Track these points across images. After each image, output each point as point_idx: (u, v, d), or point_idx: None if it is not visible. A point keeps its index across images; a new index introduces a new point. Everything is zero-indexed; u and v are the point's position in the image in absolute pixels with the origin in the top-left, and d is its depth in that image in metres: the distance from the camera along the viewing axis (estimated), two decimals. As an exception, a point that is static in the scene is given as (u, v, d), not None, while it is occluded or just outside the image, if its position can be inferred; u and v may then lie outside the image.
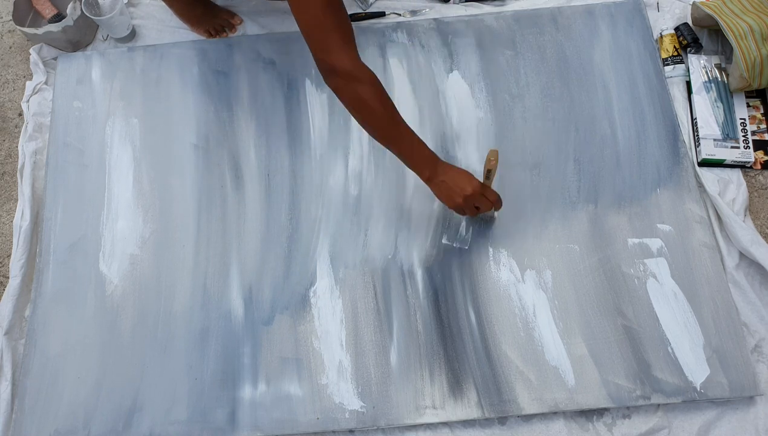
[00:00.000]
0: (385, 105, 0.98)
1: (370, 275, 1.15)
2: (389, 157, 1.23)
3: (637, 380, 1.04)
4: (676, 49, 1.30)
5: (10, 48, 1.47)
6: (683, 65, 1.29)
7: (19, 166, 1.29)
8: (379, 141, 1.01)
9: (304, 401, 1.06)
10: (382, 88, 0.98)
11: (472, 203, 1.03)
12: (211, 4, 1.39)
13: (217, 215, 1.21)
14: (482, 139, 1.24)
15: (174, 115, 1.30)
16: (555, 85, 1.28)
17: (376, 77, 0.97)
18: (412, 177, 1.21)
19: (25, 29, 1.34)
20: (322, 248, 1.17)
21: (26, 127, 1.33)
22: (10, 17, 1.40)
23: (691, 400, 1.02)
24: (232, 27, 1.40)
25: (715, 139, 1.21)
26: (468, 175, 1.03)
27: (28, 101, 1.36)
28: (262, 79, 1.32)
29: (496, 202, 1.06)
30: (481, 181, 1.05)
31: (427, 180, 1.03)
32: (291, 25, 1.39)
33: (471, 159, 1.23)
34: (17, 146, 1.33)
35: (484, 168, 1.05)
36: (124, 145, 1.28)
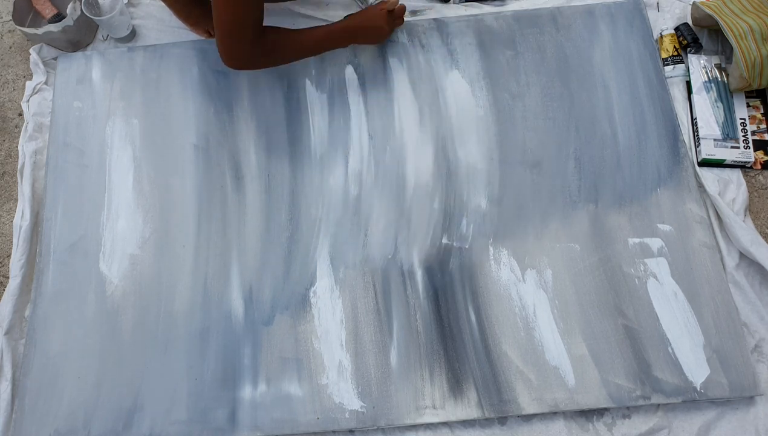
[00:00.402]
0: (288, 42, 1.12)
1: (370, 275, 1.15)
2: (389, 157, 1.24)
3: (637, 380, 1.04)
4: (676, 49, 1.30)
5: (10, 48, 1.47)
6: (683, 65, 1.29)
7: (19, 166, 1.29)
8: (302, 57, 1.19)
9: (304, 401, 1.06)
10: (276, 35, 1.12)
11: (392, 26, 1.23)
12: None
13: (217, 215, 1.21)
14: (482, 139, 1.24)
15: (174, 116, 1.30)
16: (555, 84, 1.28)
17: (268, 39, 1.10)
18: (412, 177, 1.22)
19: (25, 29, 1.34)
20: (322, 248, 1.17)
21: (26, 127, 1.33)
22: (10, 17, 1.40)
23: (691, 400, 1.03)
24: (232, 27, 1.40)
25: (715, 139, 1.21)
26: (372, 13, 1.19)
27: (28, 101, 1.36)
28: (262, 79, 1.32)
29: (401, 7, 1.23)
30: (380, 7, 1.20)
31: (347, 38, 1.18)
32: (291, 25, 1.39)
33: (471, 159, 1.23)
34: (17, 146, 1.33)
35: None
36: (124, 146, 1.28)
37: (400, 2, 1.27)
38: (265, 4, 1.40)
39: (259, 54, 1.12)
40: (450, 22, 1.36)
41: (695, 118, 1.24)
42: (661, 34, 1.32)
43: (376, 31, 1.22)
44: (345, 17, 1.22)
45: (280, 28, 1.15)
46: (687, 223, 1.15)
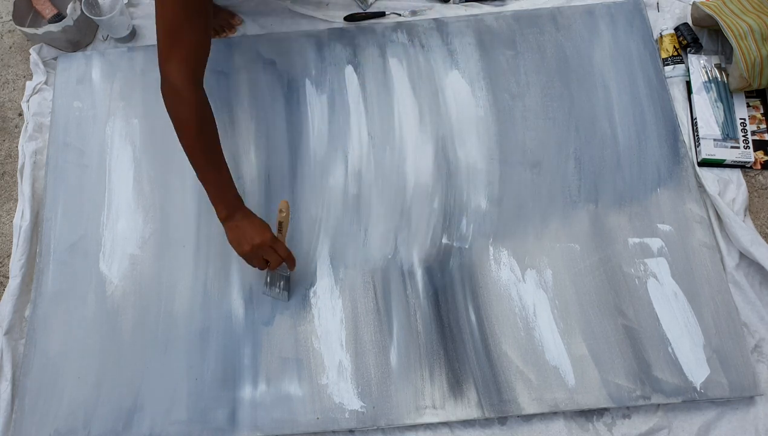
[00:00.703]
0: (202, 132, 1.00)
1: (370, 275, 1.15)
2: (389, 157, 1.24)
3: (637, 380, 1.04)
4: (676, 49, 1.30)
5: (10, 48, 1.47)
6: (683, 65, 1.29)
7: (19, 166, 1.29)
8: (190, 161, 1.02)
9: (304, 401, 1.06)
10: (206, 115, 1.01)
11: (260, 254, 1.03)
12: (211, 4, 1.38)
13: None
14: (482, 139, 1.24)
15: (174, 115, 1.30)
16: (555, 84, 1.28)
17: (203, 104, 1.01)
18: (412, 177, 1.22)
19: (25, 29, 1.34)
20: (322, 248, 1.17)
21: (26, 127, 1.33)
22: (10, 17, 1.40)
23: (691, 400, 1.03)
24: (231, 27, 1.40)
25: (715, 139, 1.21)
26: (263, 228, 1.03)
27: (28, 101, 1.36)
28: (262, 79, 1.32)
29: (288, 260, 1.06)
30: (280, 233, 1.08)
31: (223, 220, 1.03)
32: (291, 25, 1.39)
33: (471, 159, 1.23)
34: (17, 146, 1.33)
35: (277, 221, 1.07)
36: (124, 146, 1.28)
37: (290, 273, 1.11)
38: (266, 4, 1.40)
39: (186, 89, 0.99)
40: (450, 22, 1.36)
41: (695, 118, 1.24)
42: (661, 34, 1.32)
43: (239, 239, 1.02)
44: (244, 207, 1.05)
45: (215, 124, 1.03)
46: (687, 223, 1.15)
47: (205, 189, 1.02)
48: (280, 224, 1.08)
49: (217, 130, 1.03)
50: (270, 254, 1.03)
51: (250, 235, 1.02)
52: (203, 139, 1.01)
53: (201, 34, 1.01)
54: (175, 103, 0.99)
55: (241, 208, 1.05)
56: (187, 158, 1.01)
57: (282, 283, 1.12)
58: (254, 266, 1.06)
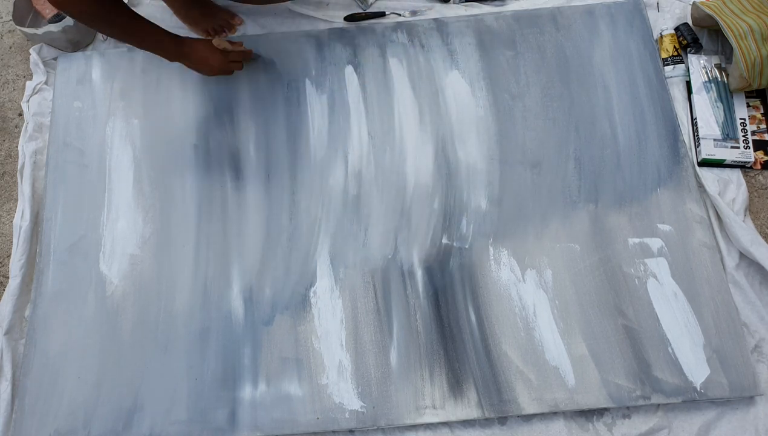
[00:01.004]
0: (122, 14, 1.02)
1: (370, 275, 1.15)
2: (389, 157, 1.24)
3: (637, 380, 1.04)
4: (676, 49, 1.30)
5: (10, 48, 1.47)
6: (683, 65, 1.29)
7: (19, 166, 1.29)
8: (111, 32, 1.05)
9: (304, 401, 1.06)
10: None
11: (227, 64, 1.19)
12: (211, 4, 1.39)
13: (217, 215, 1.21)
14: (482, 139, 1.24)
15: (174, 116, 1.30)
16: (555, 84, 1.28)
17: None
18: (412, 177, 1.22)
19: (25, 29, 1.34)
20: (322, 247, 1.17)
21: (26, 127, 1.33)
22: (10, 17, 1.40)
23: (691, 400, 1.03)
24: (231, 27, 1.40)
25: (715, 139, 1.21)
26: (209, 44, 1.16)
27: (28, 101, 1.36)
28: (262, 79, 1.32)
29: (246, 54, 1.23)
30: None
31: (178, 58, 1.12)
32: (291, 25, 1.39)
33: (471, 159, 1.23)
34: (17, 146, 1.33)
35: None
36: (125, 146, 1.28)
37: (237, 48, 1.23)
38: (266, 4, 1.40)
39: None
40: (450, 22, 1.36)
41: (695, 118, 1.24)
42: (661, 34, 1.32)
43: (203, 62, 1.16)
44: (184, 38, 1.15)
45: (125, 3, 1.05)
46: (687, 223, 1.15)
47: (142, 44, 1.08)
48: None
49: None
50: (234, 55, 1.20)
51: (205, 57, 1.16)
52: (111, 16, 1.01)
53: None
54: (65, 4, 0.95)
55: (183, 39, 1.13)
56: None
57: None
58: (231, 72, 1.22)
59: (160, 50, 1.10)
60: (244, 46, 1.25)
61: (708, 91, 1.25)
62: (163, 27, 1.41)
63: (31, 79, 1.40)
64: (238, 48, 1.22)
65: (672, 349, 1.06)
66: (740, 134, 1.22)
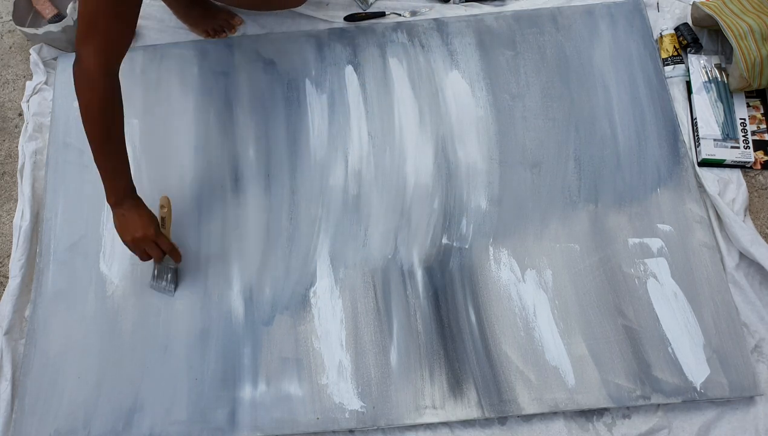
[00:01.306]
0: (104, 118, 1.00)
1: (370, 275, 1.15)
2: (389, 157, 1.24)
3: (637, 380, 1.04)
4: (676, 49, 1.30)
5: (10, 48, 1.47)
6: (683, 65, 1.29)
7: (19, 166, 1.29)
8: (89, 144, 1.02)
9: (304, 401, 1.06)
10: (111, 103, 1.00)
11: (142, 247, 1.07)
12: (211, 5, 1.39)
13: (217, 215, 1.21)
14: (482, 139, 1.24)
15: (174, 116, 1.30)
16: (555, 85, 1.28)
17: (111, 91, 1.00)
18: (412, 177, 1.22)
19: (25, 29, 1.34)
20: (322, 248, 1.17)
21: (26, 127, 1.33)
22: (10, 17, 1.40)
23: (691, 400, 1.03)
24: (231, 27, 1.40)
25: (715, 139, 1.21)
26: (148, 221, 1.06)
27: (28, 101, 1.36)
28: (262, 79, 1.32)
29: (171, 253, 1.10)
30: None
31: (112, 205, 1.06)
32: (291, 25, 1.39)
33: (471, 159, 1.23)
34: (17, 146, 1.33)
35: (159, 216, 1.10)
36: (124, 145, 1.28)
37: (177, 266, 1.14)
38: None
39: (95, 74, 0.97)
40: (450, 22, 1.36)
41: (695, 118, 1.24)
42: (661, 34, 1.32)
43: (122, 229, 1.06)
44: (136, 198, 1.08)
45: (120, 113, 1.03)
46: (687, 223, 1.15)
47: (102, 176, 1.05)
48: (162, 219, 1.12)
49: (122, 119, 1.03)
50: (152, 248, 1.07)
51: (133, 227, 1.06)
52: (104, 126, 1.01)
53: (122, 24, 1.00)
54: (82, 86, 0.99)
55: (130, 197, 1.07)
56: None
57: (169, 275, 1.14)
58: (138, 257, 1.09)
59: (106, 183, 1.05)
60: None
61: (708, 91, 1.25)
62: (163, 27, 1.41)
63: (31, 79, 1.40)
64: (165, 246, 1.09)
65: (672, 349, 1.06)
66: (740, 134, 1.22)
